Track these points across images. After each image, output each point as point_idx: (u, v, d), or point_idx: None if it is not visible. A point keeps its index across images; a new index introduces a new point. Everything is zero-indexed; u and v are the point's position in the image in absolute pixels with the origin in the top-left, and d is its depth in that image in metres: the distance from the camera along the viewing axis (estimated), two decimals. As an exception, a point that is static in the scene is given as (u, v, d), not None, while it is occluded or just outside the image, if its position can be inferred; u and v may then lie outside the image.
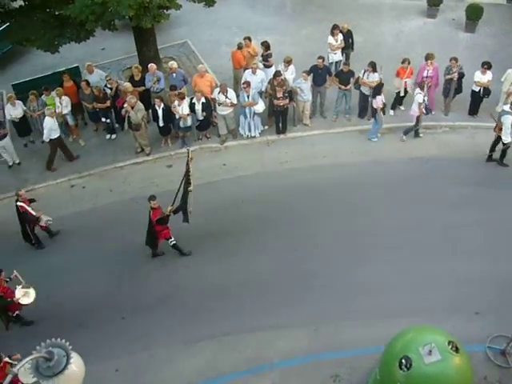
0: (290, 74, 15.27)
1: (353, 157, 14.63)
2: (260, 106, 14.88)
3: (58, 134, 14.70)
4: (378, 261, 11.44)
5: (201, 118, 14.81)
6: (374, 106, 14.49)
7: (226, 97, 14.59)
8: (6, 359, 8.80)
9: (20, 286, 10.17)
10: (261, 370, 9.72)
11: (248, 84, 14.56)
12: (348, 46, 16.65)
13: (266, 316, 10.69)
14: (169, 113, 14.64)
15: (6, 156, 15.36)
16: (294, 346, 10.04)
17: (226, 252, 12.27)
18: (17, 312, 10.84)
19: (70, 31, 14.66)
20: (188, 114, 14.57)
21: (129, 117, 14.43)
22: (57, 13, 14.27)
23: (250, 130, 15.42)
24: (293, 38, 18.96)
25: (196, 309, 11.11)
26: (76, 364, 5.12)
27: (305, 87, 14.90)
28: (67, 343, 5.02)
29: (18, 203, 12.36)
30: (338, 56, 16.37)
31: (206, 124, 15.19)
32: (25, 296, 10.14)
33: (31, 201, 12.73)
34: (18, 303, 10.30)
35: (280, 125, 15.37)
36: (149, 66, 15.37)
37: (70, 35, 14.74)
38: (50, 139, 14.59)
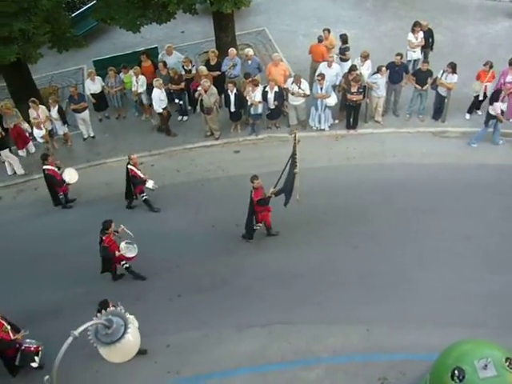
0: (365, 69, 15.02)
1: (423, 158, 14.27)
2: (332, 99, 14.75)
3: (166, 104, 15.24)
4: (441, 266, 11.16)
5: (272, 106, 14.83)
6: (493, 113, 13.93)
7: (299, 87, 14.55)
8: None
9: (124, 242, 11.07)
10: (308, 362, 9.73)
11: (322, 76, 14.44)
12: (427, 45, 16.18)
13: (320, 310, 10.65)
14: (241, 99, 14.75)
15: (82, 128, 15.96)
16: (344, 344, 9.97)
17: (285, 242, 12.30)
18: (126, 265, 11.55)
19: (153, 12, 14.97)
20: (260, 102, 14.63)
21: (201, 100, 14.63)
22: (146, -7, 14.59)
23: (319, 123, 15.31)
24: (371, 32, 18.65)
25: (252, 295, 11.20)
26: (132, 335, 5.28)
27: (380, 83, 14.63)
28: (127, 314, 5.18)
29: (129, 166, 13.00)
30: (416, 54, 15.93)
31: (276, 113, 15.20)
32: (129, 251, 11.06)
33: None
34: (123, 256, 11.11)
35: (351, 120, 15.19)
36: (229, 50, 15.51)
37: (152, 16, 15.05)
38: (162, 109, 15.12)
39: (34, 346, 9.81)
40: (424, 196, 12.97)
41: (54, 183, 13.58)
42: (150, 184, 13.22)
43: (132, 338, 5.29)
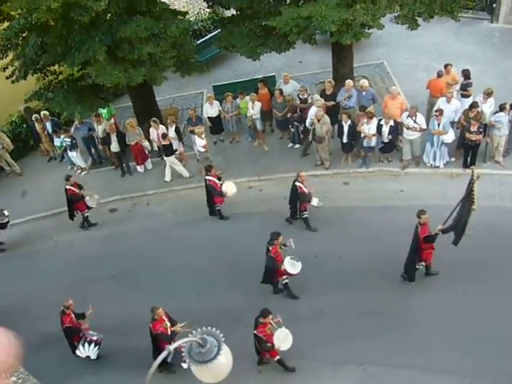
0: (488, 107, 14.32)
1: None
2: (449, 136, 14.20)
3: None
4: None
5: (386, 140, 14.54)
6: None
7: (415, 121, 14.17)
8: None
9: (289, 257, 11.27)
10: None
11: (441, 112, 13.96)
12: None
13: (419, 355, 10.17)
14: (354, 130, 14.61)
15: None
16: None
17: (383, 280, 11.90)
18: (286, 280, 11.72)
19: (273, 41, 15.29)
20: (374, 135, 14.41)
21: (314, 129, 14.66)
22: (263, 23, 14.96)
23: (434, 160, 14.77)
24: (497, 69, 17.80)
25: (350, 331, 10.90)
26: (225, 357, 5.26)
27: (504, 121, 13.88)
28: (221, 335, 5.18)
29: (297, 183, 13.29)
30: (545, 93, 15.02)
31: (390, 147, 14.88)
32: (292, 266, 11.23)
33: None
34: (285, 271, 11.31)
35: (468, 159, 14.49)
36: (346, 81, 15.51)
37: (272, 45, 15.38)
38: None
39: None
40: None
41: (214, 194, 14.11)
42: (314, 202, 13.35)
43: (224, 360, 5.26)
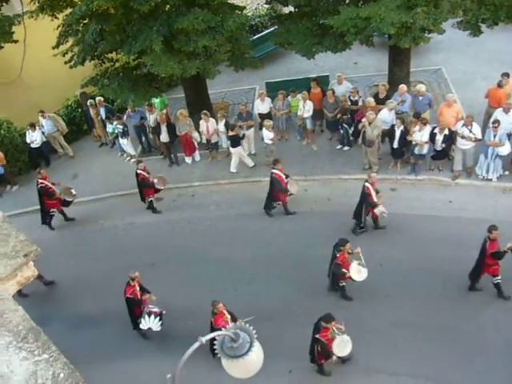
0: (549, 122, 13.84)
1: None
2: (506, 149, 13.75)
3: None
4: None
5: (439, 148, 14.20)
6: None
7: (470, 131, 13.78)
8: None
9: (357, 262, 11.13)
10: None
11: (498, 123, 13.54)
12: None
13: (456, 371, 9.91)
14: (406, 136, 14.31)
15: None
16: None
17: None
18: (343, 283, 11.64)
19: (329, 41, 15.15)
20: (426, 142, 14.09)
21: (364, 132, 14.46)
22: (321, 22, 14.86)
23: (487, 172, 14.32)
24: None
25: (386, 340, 10.72)
26: (256, 353, 5.23)
27: None
28: (254, 331, 5.15)
29: (366, 184, 13.05)
30: None
31: (442, 155, 14.53)
32: (358, 273, 11.09)
33: None
34: (349, 277, 11.22)
35: (524, 173, 14.05)
36: (400, 86, 15.24)
37: (328, 44, 15.24)
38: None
39: None
40: None
41: (278, 188, 14.05)
42: (379, 210, 13.06)
43: (255, 357, 5.23)
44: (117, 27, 14.41)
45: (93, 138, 19.38)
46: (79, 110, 19.14)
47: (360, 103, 15.74)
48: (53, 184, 15.20)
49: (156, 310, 11.28)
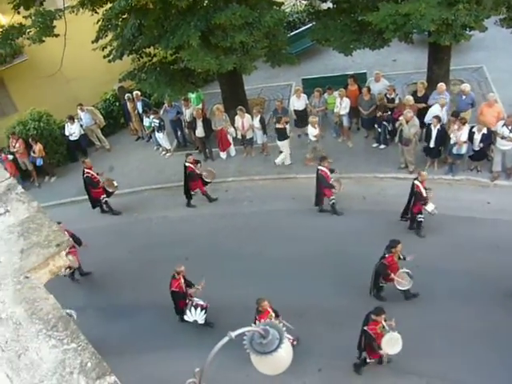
0: None
1: None
2: (547, 150, 13.40)
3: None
4: None
5: (477, 148, 13.91)
6: None
7: (511, 131, 13.45)
8: None
9: (404, 270, 10.94)
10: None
11: (540, 124, 13.21)
12: None
13: (488, 375, 9.71)
14: (443, 135, 14.06)
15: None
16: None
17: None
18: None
19: (368, 38, 14.98)
20: (465, 142, 13.81)
21: (401, 130, 14.26)
22: (359, 18, 14.70)
23: (527, 173, 14.00)
24: None
25: (418, 341, 10.52)
26: (285, 350, 5.20)
27: None
28: (284, 328, 5.13)
29: (416, 182, 12.90)
30: None
31: (480, 155, 14.22)
32: (402, 279, 10.92)
33: None
34: (392, 279, 11.01)
35: None
36: (439, 84, 14.95)
37: (366, 41, 15.07)
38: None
39: (292, 339, 9.93)
40: None
41: (324, 184, 13.95)
42: (430, 207, 12.89)
43: (284, 354, 5.21)
44: (155, 22, 14.54)
45: (129, 132, 19.64)
46: (117, 104, 19.42)
47: (397, 101, 15.52)
48: (97, 174, 15.44)
49: (201, 303, 11.40)
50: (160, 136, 17.58)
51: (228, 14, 13.57)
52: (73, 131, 18.07)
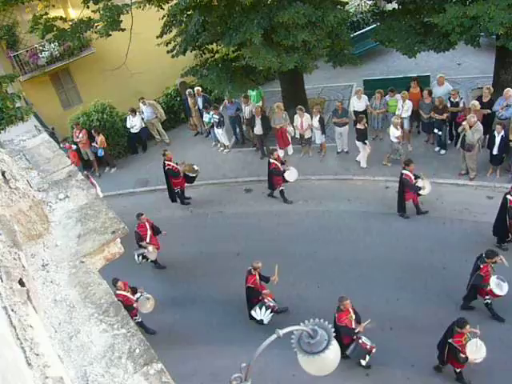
0: None
1: None
2: None
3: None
4: None
5: (542, 157, 13.39)
6: None
7: None
8: None
9: (496, 277, 10.52)
10: None
11: None
12: None
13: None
14: (507, 142, 13.58)
15: (338, 142, 16.44)
16: None
17: None
18: (488, 300, 10.88)
19: (432, 40, 14.67)
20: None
21: (464, 135, 13.86)
22: (425, 20, 14.37)
23: None
24: None
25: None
26: (333, 352, 5.15)
27: None
28: (332, 329, 5.08)
29: (509, 196, 12.16)
30: None
31: (546, 165, 13.68)
32: (498, 287, 10.45)
33: None
34: (491, 292, 10.58)
35: None
36: (505, 90, 14.44)
37: (431, 44, 14.76)
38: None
39: (370, 345, 10.08)
40: None
41: (407, 186, 13.61)
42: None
43: (331, 356, 5.15)
44: (219, 19, 14.69)
45: (189, 127, 19.91)
46: (178, 99, 19.73)
47: (461, 105, 15.09)
48: (176, 164, 15.61)
49: (272, 304, 11.27)
50: (219, 132, 17.73)
51: (291, 12, 13.54)
52: (134, 124, 18.48)
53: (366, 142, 15.43)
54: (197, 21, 15.00)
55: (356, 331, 9.88)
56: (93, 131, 17.88)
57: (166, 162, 15.44)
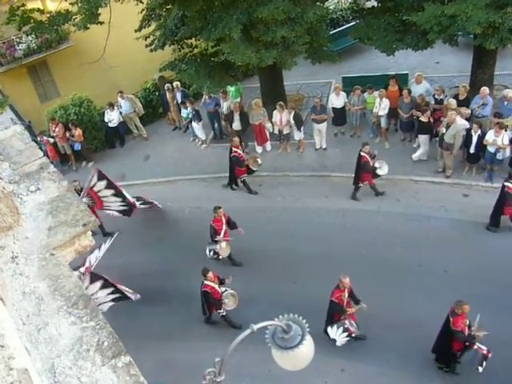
0: None
1: None
2: None
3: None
4: None
5: (517, 155, 13.56)
6: None
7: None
8: None
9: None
10: None
11: None
12: None
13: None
14: (483, 148, 13.72)
15: (316, 139, 16.48)
16: None
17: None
18: None
19: (411, 38, 14.76)
20: (508, 145, 13.44)
21: (442, 134, 14.00)
22: (404, 18, 14.47)
23: None
24: None
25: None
26: (307, 347, 5.17)
27: None
28: (306, 324, 5.09)
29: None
30: None
31: (521, 163, 13.86)
32: None
33: None
34: None
35: None
36: (481, 89, 14.64)
37: (409, 42, 14.86)
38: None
39: (486, 351, 9.45)
40: None
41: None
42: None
43: (305, 351, 5.17)
44: (198, 13, 14.60)
45: (167, 122, 19.80)
46: (156, 93, 19.60)
47: (445, 102, 15.17)
48: (243, 152, 15.40)
49: (352, 328, 10.43)
50: (195, 126, 17.66)
51: (271, 8, 13.51)
52: (112, 118, 18.32)
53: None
54: (176, 15, 14.93)
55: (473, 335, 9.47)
56: (70, 125, 17.68)
57: (233, 149, 15.12)
